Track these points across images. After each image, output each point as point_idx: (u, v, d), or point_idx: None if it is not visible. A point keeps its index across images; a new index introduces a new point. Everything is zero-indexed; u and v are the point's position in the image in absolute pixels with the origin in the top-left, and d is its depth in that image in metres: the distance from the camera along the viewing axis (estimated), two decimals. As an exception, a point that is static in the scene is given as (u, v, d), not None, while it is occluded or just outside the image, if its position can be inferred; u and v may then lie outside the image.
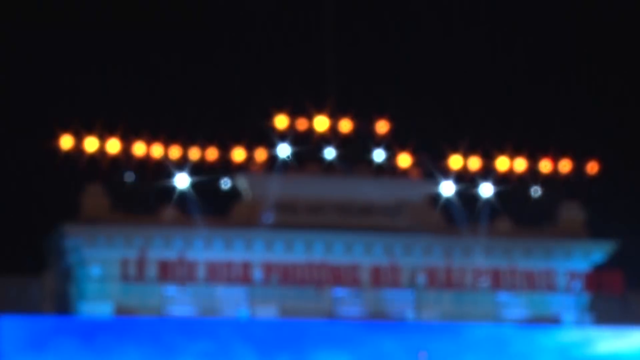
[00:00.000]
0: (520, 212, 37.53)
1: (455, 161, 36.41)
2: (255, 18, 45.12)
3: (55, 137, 34.67)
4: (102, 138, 34.83)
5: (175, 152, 35.43)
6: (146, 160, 35.31)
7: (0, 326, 31.63)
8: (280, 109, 35.89)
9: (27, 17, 47.33)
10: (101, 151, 34.73)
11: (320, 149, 36.29)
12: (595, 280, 35.31)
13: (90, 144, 34.43)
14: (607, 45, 46.62)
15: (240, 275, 34.04)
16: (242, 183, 36.80)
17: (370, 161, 36.71)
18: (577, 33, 47.20)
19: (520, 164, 36.30)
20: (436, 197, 37.60)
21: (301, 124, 35.84)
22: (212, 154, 35.57)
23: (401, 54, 44.50)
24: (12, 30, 46.50)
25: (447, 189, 37.08)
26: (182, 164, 35.99)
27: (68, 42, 46.46)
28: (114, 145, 34.67)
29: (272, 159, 36.09)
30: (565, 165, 37.01)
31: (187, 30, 45.91)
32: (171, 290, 34.24)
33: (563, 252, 36.78)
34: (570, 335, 34.09)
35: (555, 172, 36.88)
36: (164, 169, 35.85)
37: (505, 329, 34.13)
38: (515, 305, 35.79)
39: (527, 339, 33.73)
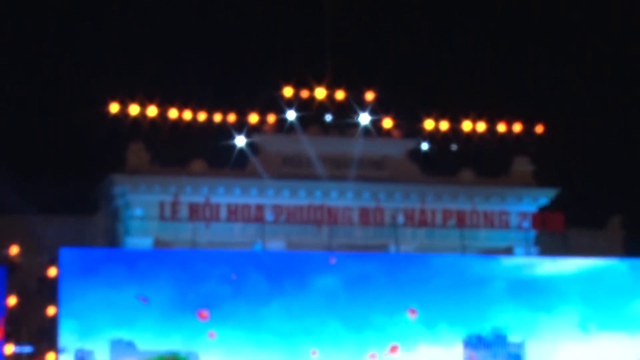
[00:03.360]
0: (481, 165, 37.84)
1: (428, 124, 36.49)
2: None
3: (105, 105, 34.64)
4: (143, 104, 34.96)
5: (202, 116, 35.59)
6: (178, 122, 35.49)
7: (61, 257, 31.07)
8: (287, 81, 35.88)
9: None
10: (142, 115, 34.97)
11: (319, 114, 36.73)
12: (541, 219, 35.70)
13: (133, 110, 34.77)
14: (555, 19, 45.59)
15: (254, 216, 34.12)
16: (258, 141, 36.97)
17: (359, 124, 36.67)
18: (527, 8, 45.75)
19: (481, 126, 36.55)
20: (413, 152, 37.65)
21: (304, 94, 36.01)
22: (231, 117, 35.69)
23: (387, 35, 43.67)
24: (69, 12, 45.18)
25: (423, 146, 37.13)
26: (207, 125, 35.88)
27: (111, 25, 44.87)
28: (152, 111, 34.91)
29: (281, 122, 36.49)
30: (517, 127, 37.00)
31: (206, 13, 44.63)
32: (199, 227, 34.07)
33: (515, 197, 37.47)
34: (519, 263, 34.39)
35: (509, 132, 37.05)
36: (194, 129, 35.76)
37: (467, 258, 34.47)
38: (476, 240, 35.86)
39: (485, 266, 33.96)
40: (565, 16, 45.52)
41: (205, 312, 32.08)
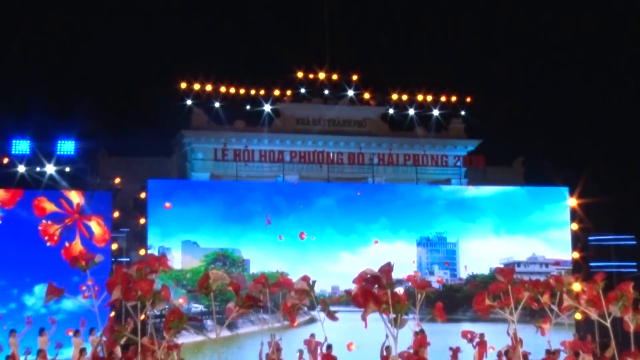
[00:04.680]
0: (429, 123, 38.07)
1: (394, 95, 37.64)
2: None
3: (178, 83, 35.75)
4: (202, 82, 36.01)
5: (242, 90, 36.49)
6: (226, 94, 36.37)
7: (149, 185, 31.69)
8: (298, 67, 37.05)
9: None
10: (202, 89, 36.04)
11: (321, 89, 37.71)
12: (469, 160, 36.64)
13: (196, 86, 35.99)
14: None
15: (277, 158, 35.04)
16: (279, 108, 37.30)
17: (347, 95, 37.75)
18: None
19: (429, 97, 37.75)
20: (384, 115, 38.18)
21: (310, 75, 37.32)
22: (262, 91, 36.58)
23: (368, 32, 43.64)
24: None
25: (390, 111, 37.94)
26: (245, 96, 36.69)
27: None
28: (208, 86, 36.05)
29: (295, 95, 37.39)
30: (453, 97, 38.01)
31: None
32: (240, 165, 34.48)
33: (452, 145, 37.94)
34: (454, 189, 35.47)
35: (448, 101, 38.09)
36: (236, 99, 36.66)
37: (419, 186, 34.86)
38: (425, 174, 36.11)
39: (431, 192, 34.59)
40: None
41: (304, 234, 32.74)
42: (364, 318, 18.66)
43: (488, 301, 19.95)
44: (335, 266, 32.73)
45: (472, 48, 42.11)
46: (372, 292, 18.32)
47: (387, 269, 19.03)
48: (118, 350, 23.93)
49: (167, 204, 31.75)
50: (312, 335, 25.52)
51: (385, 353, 21.63)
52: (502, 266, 32.74)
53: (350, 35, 40.39)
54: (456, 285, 33.57)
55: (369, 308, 18.21)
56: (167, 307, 21.93)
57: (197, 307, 30.72)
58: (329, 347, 23.63)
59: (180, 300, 22.69)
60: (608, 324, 22.34)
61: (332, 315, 22.35)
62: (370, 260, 30.57)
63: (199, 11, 44.06)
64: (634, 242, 33.91)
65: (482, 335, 25.50)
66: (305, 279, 22.49)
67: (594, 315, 24.32)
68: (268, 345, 24.04)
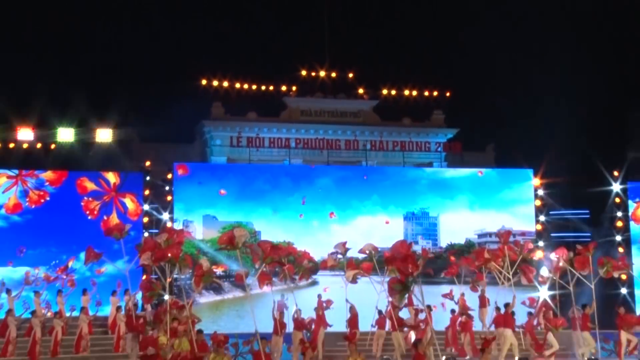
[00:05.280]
0: (415, 114, 38.08)
1: (384, 90, 37.55)
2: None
3: (199, 79, 35.73)
4: (219, 79, 36.00)
5: (254, 86, 36.48)
6: (240, 89, 36.37)
7: (175, 169, 31.76)
8: (302, 66, 37.00)
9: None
10: (219, 85, 36.07)
11: (321, 85, 37.66)
12: (448, 146, 36.27)
13: (214, 82, 35.92)
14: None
15: (284, 144, 34.65)
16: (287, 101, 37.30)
17: (345, 91, 37.80)
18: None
19: (414, 92, 37.64)
20: (376, 107, 38.03)
21: (312, 74, 37.27)
22: (271, 87, 36.79)
23: (364, 34, 42.38)
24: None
25: (380, 103, 37.87)
26: (257, 91, 36.65)
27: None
28: (225, 83, 36.12)
29: (301, 90, 37.38)
30: (435, 92, 37.88)
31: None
32: (252, 151, 34.34)
33: (434, 133, 37.59)
34: (436, 171, 35.25)
35: (430, 95, 37.90)
36: (249, 94, 36.63)
37: (406, 169, 34.84)
38: (411, 158, 35.69)
39: (416, 173, 34.56)
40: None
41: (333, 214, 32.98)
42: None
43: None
44: (333, 237, 31.51)
45: (452, 49, 41.67)
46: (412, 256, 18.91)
47: (404, 245, 20.10)
48: (149, 307, 24.89)
49: (222, 191, 32.34)
50: (319, 296, 26.07)
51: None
52: (476, 237, 33.95)
53: (346, 39, 39.31)
54: (437, 253, 33.22)
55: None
56: (190, 271, 23.17)
57: (216, 271, 30.03)
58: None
59: (204, 262, 23.20)
60: (592, 285, 23.85)
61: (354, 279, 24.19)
62: (363, 232, 31.95)
63: (219, 18, 43.15)
64: (588, 216, 33.87)
65: (462, 294, 26.30)
66: (369, 246, 24.62)
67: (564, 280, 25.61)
68: (278, 305, 24.99)
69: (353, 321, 24.92)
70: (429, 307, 22.75)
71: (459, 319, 25.27)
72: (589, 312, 24.06)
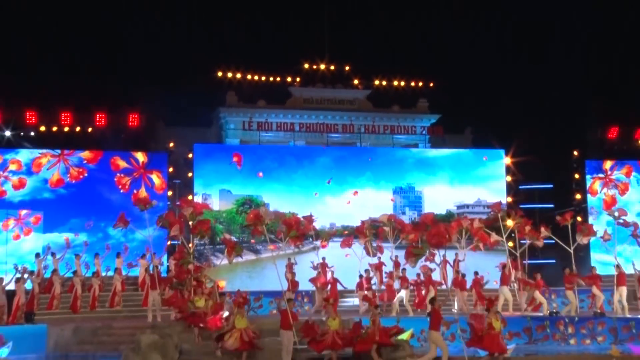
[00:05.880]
0: (403, 102, 37.77)
1: (377, 81, 37.18)
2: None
3: (215, 71, 35.52)
4: (233, 71, 35.81)
5: (263, 77, 36.26)
6: (251, 80, 36.07)
7: (195, 148, 31.98)
8: (304, 59, 36.78)
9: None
10: (233, 76, 35.79)
11: (322, 76, 37.37)
12: (431, 130, 35.70)
13: (229, 74, 35.67)
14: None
15: (289, 127, 34.47)
16: (293, 91, 36.99)
17: (342, 81, 37.63)
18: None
19: (402, 83, 37.24)
20: (369, 96, 37.72)
21: (315, 66, 37.01)
22: (277, 78, 36.52)
23: (364, 26, 42.20)
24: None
25: (373, 92, 37.47)
26: (265, 82, 36.38)
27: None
28: (238, 75, 35.89)
29: (304, 80, 37.12)
30: (420, 83, 37.23)
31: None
32: (262, 133, 34.28)
33: (419, 118, 37.16)
34: (421, 151, 35.08)
35: (416, 85, 37.48)
36: (259, 84, 36.35)
37: (395, 149, 34.97)
38: (399, 140, 35.96)
39: (404, 153, 34.63)
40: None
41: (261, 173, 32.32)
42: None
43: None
44: (331, 209, 32.58)
45: (435, 44, 41.54)
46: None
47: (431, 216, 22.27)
48: (173, 269, 25.54)
49: (260, 174, 32.49)
50: (324, 259, 26.42)
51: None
52: (455, 208, 34.09)
53: (343, 36, 39.31)
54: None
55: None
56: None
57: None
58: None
59: (227, 235, 24.35)
60: (571, 249, 24.66)
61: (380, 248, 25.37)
62: (359, 205, 32.35)
63: (235, 18, 42.60)
64: (552, 188, 34.02)
65: (444, 256, 26.12)
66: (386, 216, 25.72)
67: (539, 243, 26.23)
68: (286, 267, 25.70)
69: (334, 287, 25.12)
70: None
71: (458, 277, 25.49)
72: (568, 274, 24.91)
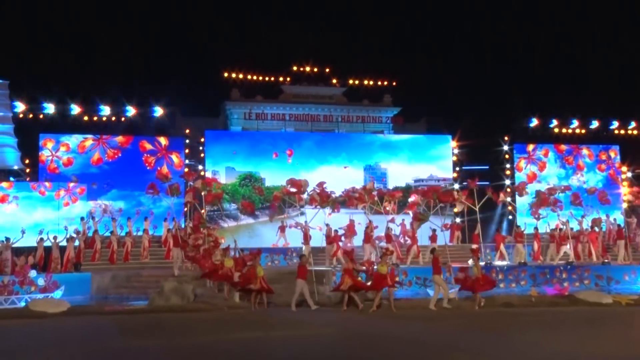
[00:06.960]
0: (372, 97, 37.33)
1: (351, 80, 37.27)
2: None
3: (222, 72, 35.50)
4: (237, 72, 35.48)
5: (260, 77, 35.96)
6: (251, 80, 35.68)
7: (205, 134, 31.64)
8: (294, 62, 36.69)
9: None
10: (237, 76, 35.59)
11: (308, 78, 37.10)
12: (394, 119, 35.99)
13: (233, 74, 35.47)
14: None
15: (281, 118, 34.63)
16: (285, 89, 36.73)
17: (323, 81, 37.20)
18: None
19: (371, 82, 37.18)
20: (345, 92, 37.38)
21: (303, 69, 36.87)
22: (272, 78, 36.26)
23: (341, 34, 42.97)
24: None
25: (348, 90, 37.16)
26: (262, 81, 35.90)
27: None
28: (240, 75, 35.60)
29: (293, 80, 36.80)
30: (386, 82, 37.45)
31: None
32: (259, 122, 34.19)
33: (384, 111, 36.93)
34: (386, 137, 34.59)
35: (382, 83, 37.25)
36: (257, 82, 36.01)
37: (366, 135, 34.53)
38: (369, 128, 35.68)
39: (372, 138, 34.08)
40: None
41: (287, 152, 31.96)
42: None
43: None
44: (312, 183, 32.02)
45: (399, 46, 41.63)
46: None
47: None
48: (189, 230, 25.55)
49: (275, 153, 32.07)
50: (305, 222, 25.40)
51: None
52: (412, 181, 33.84)
53: (325, 44, 40.10)
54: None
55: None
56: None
57: (234, 206, 30.97)
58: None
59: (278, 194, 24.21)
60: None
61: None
62: (338, 178, 31.42)
63: (239, 29, 43.02)
64: (488, 168, 34.08)
65: (404, 220, 26.09)
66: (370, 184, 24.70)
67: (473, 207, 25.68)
68: (279, 230, 25.59)
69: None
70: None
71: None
72: (520, 231, 25.29)
